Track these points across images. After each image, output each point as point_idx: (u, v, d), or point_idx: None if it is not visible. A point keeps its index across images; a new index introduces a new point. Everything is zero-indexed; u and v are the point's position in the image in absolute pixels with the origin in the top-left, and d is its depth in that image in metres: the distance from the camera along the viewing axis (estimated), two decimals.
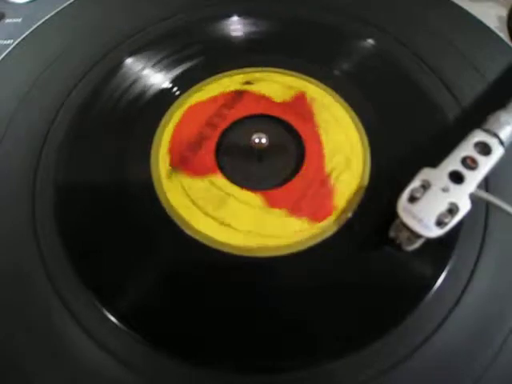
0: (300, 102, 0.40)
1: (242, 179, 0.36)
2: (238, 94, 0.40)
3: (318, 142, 0.37)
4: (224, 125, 0.38)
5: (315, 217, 0.34)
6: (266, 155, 0.37)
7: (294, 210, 0.34)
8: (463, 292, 0.31)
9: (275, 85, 0.41)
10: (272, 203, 0.35)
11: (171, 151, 0.37)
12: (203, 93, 0.40)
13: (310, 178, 0.36)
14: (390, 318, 0.31)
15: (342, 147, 0.37)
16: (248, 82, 0.40)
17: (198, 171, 0.36)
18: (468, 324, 0.30)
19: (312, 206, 0.34)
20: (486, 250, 0.33)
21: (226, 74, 0.41)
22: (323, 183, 0.35)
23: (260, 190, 0.35)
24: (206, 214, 0.34)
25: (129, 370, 0.29)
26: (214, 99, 0.40)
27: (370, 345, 0.30)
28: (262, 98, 0.40)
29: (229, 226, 0.34)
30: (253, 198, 0.35)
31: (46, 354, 0.30)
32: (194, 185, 0.35)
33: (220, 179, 0.36)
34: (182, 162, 0.36)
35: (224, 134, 0.38)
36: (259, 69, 0.41)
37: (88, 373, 0.29)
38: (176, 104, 0.39)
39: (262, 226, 0.34)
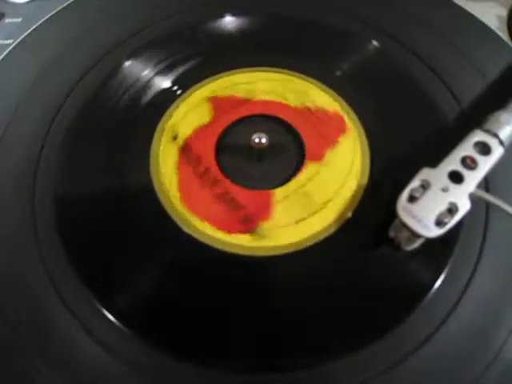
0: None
1: (242, 179, 0.36)
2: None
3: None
4: (224, 124, 0.38)
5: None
6: (266, 155, 0.37)
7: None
8: (463, 292, 0.31)
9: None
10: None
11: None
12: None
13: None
14: (390, 318, 0.31)
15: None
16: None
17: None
18: (468, 324, 0.30)
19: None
20: (486, 250, 0.33)
21: (226, 73, 0.41)
22: None
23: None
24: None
25: (129, 369, 0.29)
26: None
27: (370, 345, 0.30)
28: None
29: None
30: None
31: (46, 353, 0.30)
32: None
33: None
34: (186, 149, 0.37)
35: (224, 133, 0.38)
36: (259, 69, 0.41)
37: (88, 372, 0.29)
38: (176, 104, 0.39)
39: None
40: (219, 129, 0.38)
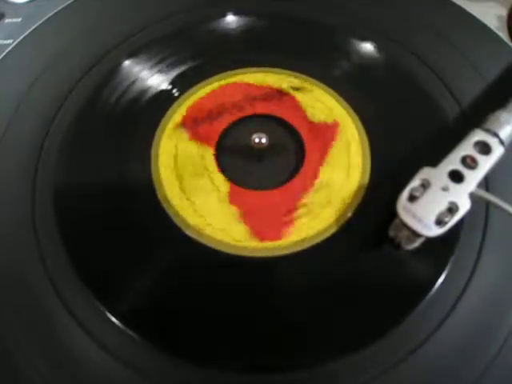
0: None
1: (242, 179, 0.36)
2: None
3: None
4: (225, 124, 0.38)
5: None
6: (266, 155, 0.37)
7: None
8: (463, 292, 0.31)
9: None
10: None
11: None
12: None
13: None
14: (390, 318, 0.31)
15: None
16: (295, 88, 0.41)
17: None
18: (468, 324, 0.30)
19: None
20: (486, 250, 0.33)
21: (225, 73, 0.41)
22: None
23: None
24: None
25: (129, 369, 0.29)
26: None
27: (370, 345, 0.30)
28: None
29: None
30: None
31: (46, 353, 0.30)
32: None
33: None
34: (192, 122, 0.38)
35: (224, 133, 0.38)
36: (259, 69, 0.41)
37: (88, 372, 0.29)
38: (176, 104, 0.39)
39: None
40: (219, 129, 0.38)
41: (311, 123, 0.38)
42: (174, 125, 0.38)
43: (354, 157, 0.37)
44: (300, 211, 0.34)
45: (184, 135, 0.37)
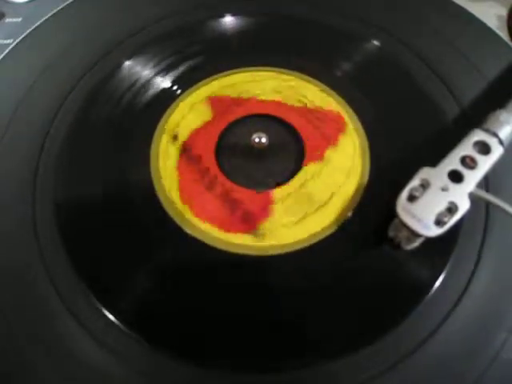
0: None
1: (242, 178, 0.36)
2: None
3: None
4: (224, 124, 0.38)
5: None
6: (266, 155, 0.37)
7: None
8: (463, 292, 0.31)
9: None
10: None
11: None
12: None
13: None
14: (390, 318, 0.31)
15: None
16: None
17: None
18: (468, 324, 0.30)
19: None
20: (486, 250, 0.33)
21: (225, 73, 0.41)
22: None
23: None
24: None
25: (129, 369, 0.29)
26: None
27: (370, 345, 0.30)
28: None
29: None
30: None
31: (46, 353, 0.30)
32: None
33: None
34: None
35: (224, 133, 0.38)
36: (259, 68, 0.41)
37: (88, 372, 0.29)
38: (176, 104, 0.39)
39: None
40: (219, 129, 0.38)
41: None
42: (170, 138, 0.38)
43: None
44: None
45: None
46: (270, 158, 0.37)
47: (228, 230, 0.33)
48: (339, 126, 0.38)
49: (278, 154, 0.37)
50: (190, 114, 0.39)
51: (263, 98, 0.40)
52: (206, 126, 0.38)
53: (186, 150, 0.37)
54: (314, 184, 0.35)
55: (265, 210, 0.34)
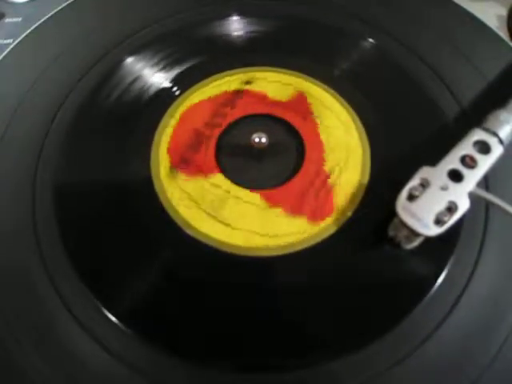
0: (300, 102, 0.40)
1: (242, 179, 0.36)
2: (238, 94, 0.40)
3: (318, 142, 0.37)
4: (224, 124, 0.38)
5: (315, 216, 0.34)
6: (266, 155, 0.37)
7: (294, 209, 0.34)
8: (463, 292, 0.31)
9: (275, 84, 0.41)
10: (272, 203, 0.35)
11: (171, 152, 0.37)
12: (203, 92, 0.40)
13: (310, 178, 0.36)
14: (390, 317, 0.31)
15: (342, 146, 0.37)
16: (248, 82, 0.40)
17: (198, 171, 0.36)
18: (468, 324, 0.30)
19: (312, 205, 0.34)
20: (486, 250, 0.33)
21: (225, 73, 0.41)
22: (323, 183, 0.35)
23: (260, 190, 0.35)
24: (207, 213, 0.34)
25: (129, 369, 0.29)
26: (213, 99, 0.40)
27: (370, 345, 0.29)
28: (262, 98, 0.40)
29: (229, 225, 0.34)
30: (253, 198, 0.35)
31: (46, 353, 0.30)
32: (195, 185, 0.35)
33: (220, 179, 0.36)
34: (182, 163, 0.36)
35: (224, 133, 0.38)
36: (259, 68, 0.41)
37: (88, 372, 0.29)
38: (176, 104, 0.39)
39: (262, 226, 0.34)
40: (219, 129, 0.38)
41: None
42: (167, 170, 0.37)
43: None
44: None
45: (181, 176, 0.36)
46: (269, 158, 0.37)
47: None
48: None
49: (278, 154, 0.37)
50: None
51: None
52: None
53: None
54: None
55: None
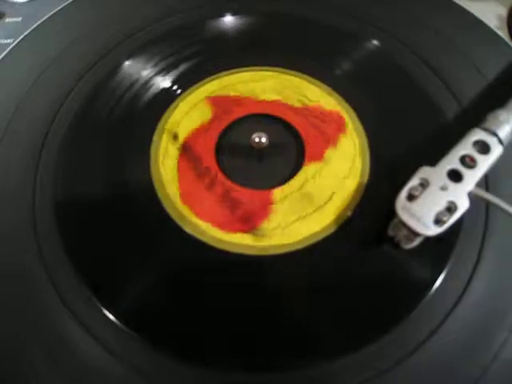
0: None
1: (242, 179, 0.36)
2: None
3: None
4: (224, 124, 0.38)
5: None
6: (266, 155, 0.37)
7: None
8: (463, 291, 0.31)
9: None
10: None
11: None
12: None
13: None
14: (390, 317, 0.31)
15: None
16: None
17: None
18: (468, 324, 0.30)
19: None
20: (486, 250, 0.33)
21: (225, 73, 0.41)
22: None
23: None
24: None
25: (129, 369, 0.29)
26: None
27: (370, 345, 0.29)
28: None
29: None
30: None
31: (46, 353, 0.30)
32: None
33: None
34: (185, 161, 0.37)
35: (224, 133, 0.38)
36: (259, 68, 0.41)
37: (88, 372, 0.29)
38: (176, 104, 0.39)
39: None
40: (219, 129, 0.38)
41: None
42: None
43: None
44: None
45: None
46: (269, 158, 0.37)
47: (228, 230, 0.33)
48: (339, 126, 0.38)
49: (278, 154, 0.37)
50: (190, 114, 0.39)
51: (263, 97, 0.40)
52: (206, 125, 0.38)
53: (186, 150, 0.37)
54: (314, 184, 0.35)
55: (265, 209, 0.34)
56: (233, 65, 0.42)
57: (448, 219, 0.29)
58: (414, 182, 0.30)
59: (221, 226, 0.34)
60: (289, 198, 0.35)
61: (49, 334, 0.30)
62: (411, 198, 0.30)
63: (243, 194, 0.35)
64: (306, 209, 0.34)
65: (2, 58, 0.42)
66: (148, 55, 0.42)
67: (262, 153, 0.37)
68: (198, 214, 0.34)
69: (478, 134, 0.32)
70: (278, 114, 0.39)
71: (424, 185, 0.30)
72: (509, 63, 0.41)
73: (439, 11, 0.45)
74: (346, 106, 0.39)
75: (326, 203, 0.35)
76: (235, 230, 0.33)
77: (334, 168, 0.36)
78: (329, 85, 0.41)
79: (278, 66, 0.42)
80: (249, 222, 0.34)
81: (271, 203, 0.35)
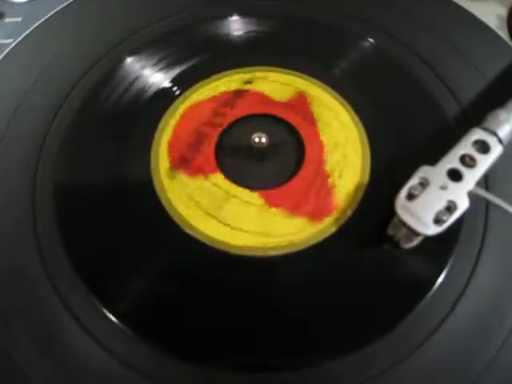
0: (300, 102, 0.40)
1: (242, 179, 0.36)
2: (238, 94, 0.40)
3: (318, 142, 0.37)
4: (224, 124, 0.38)
5: (315, 216, 0.34)
6: (266, 155, 0.37)
7: (294, 209, 0.34)
8: (463, 292, 0.31)
9: (275, 84, 0.41)
10: (272, 203, 0.35)
11: (171, 152, 0.37)
12: (203, 92, 0.40)
13: (311, 178, 0.36)
14: (390, 317, 0.30)
15: (342, 146, 0.37)
16: (248, 82, 0.40)
17: (198, 171, 0.36)
18: (468, 323, 0.30)
19: (312, 205, 0.34)
20: (486, 250, 0.33)
21: (225, 73, 0.41)
22: (323, 182, 0.35)
23: (260, 190, 0.35)
24: (207, 213, 0.34)
25: (129, 369, 0.29)
26: (213, 98, 0.40)
27: (370, 344, 0.29)
28: (262, 98, 0.40)
29: (229, 225, 0.34)
30: (253, 198, 0.35)
31: (46, 353, 0.30)
32: (195, 185, 0.35)
33: (220, 179, 0.36)
34: (182, 163, 0.36)
35: (224, 133, 0.38)
36: (259, 68, 0.41)
37: (88, 372, 0.29)
38: (176, 103, 0.39)
39: (262, 226, 0.34)
40: (219, 129, 0.38)
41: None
42: (167, 170, 0.36)
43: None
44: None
45: (182, 176, 0.36)
46: (270, 158, 0.37)
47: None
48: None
49: (278, 154, 0.37)
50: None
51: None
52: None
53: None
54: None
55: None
56: (233, 65, 0.42)
57: (448, 219, 0.29)
58: (414, 181, 0.30)
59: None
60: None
61: (48, 335, 0.30)
62: (411, 197, 0.30)
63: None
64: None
65: (2, 58, 0.42)
66: (148, 55, 0.42)
67: (261, 153, 0.37)
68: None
69: (477, 134, 0.32)
70: (277, 114, 0.39)
71: (424, 184, 0.30)
72: (509, 63, 0.41)
73: (439, 11, 0.45)
74: (346, 105, 0.39)
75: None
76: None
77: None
78: (329, 85, 0.40)
79: (277, 65, 0.42)
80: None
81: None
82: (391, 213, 0.30)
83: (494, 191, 0.33)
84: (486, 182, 0.35)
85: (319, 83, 0.41)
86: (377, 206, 0.34)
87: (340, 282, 0.32)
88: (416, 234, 0.29)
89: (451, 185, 0.30)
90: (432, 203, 0.29)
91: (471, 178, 0.30)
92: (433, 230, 0.29)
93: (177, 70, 0.41)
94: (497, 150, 0.31)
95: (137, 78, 0.41)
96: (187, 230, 0.33)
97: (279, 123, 0.39)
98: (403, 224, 0.29)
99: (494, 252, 0.33)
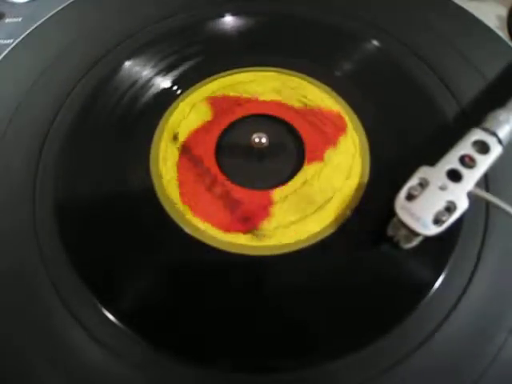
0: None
1: (242, 179, 0.36)
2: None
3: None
4: (224, 124, 0.38)
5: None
6: (266, 155, 0.37)
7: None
8: (463, 292, 0.31)
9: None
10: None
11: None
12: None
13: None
14: (390, 317, 0.31)
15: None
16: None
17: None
18: (468, 324, 0.30)
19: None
20: (486, 250, 0.33)
21: (225, 73, 0.41)
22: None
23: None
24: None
25: (129, 369, 0.29)
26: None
27: (370, 345, 0.30)
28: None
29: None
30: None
31: (47, 353, 0.30)
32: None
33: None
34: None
35: (224, 133, 0.38)
36: (259, 68, 0.41)
37: (88, 372, 0.29)
38: (176, 104, 0.39)
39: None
40: (219, 129, 0.38)
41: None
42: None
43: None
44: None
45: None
46: (269, 158, 0.37)
47: (228, 230, 0.33)
48: (339, 126, 0.38)
49: (278, 154, 0.37)
50: (190, 114, 0.39)
51: (263, 98, 0.40)
52: (206, 126, 0.38)
53: (186, 150, 0.37)
54: (314, 184, 0.35)
55: (265, 210, 0.34)
56: (233, 65, 0.42)
57: (447, 219, 0.29)
58: (414, 181, 0.30)
59: (221, 226, 0.34)
60: (289, 199, 0.35)
61: (49, 334, 0.30)
62: (410, 197, 0.30)
63: (243, 194, 0.35)
64: (305, 209, 0.34)
65: (2, 58, 0.42)
66: (148, 55, 0.42)
67: (262, 153, 0.37)
68: (197, 215, 0.34)
69: (477, 134, 0.32)
70: (277, 114, 0.39)
71: (423, 184, 0.30)
72: (509, 63, 0.41)
73: (439, 11, 0.45)
74: (346, 106, 0.39)
75: (325, 203, 0.35)
76: (235, 231, 0.33)
77: (333, 168, 0.36)
78: (329, 85, 0.41)
79: (278, 66, 0.42)
80: (249, 223, 0.34)
81: (271, 203, 0.35)
82: (391, 213, 0.30)
83: (493, 192, 0.33)
84: (485, 182, 0.35)
85: (319, 83, 0.41)
86: (376, 207, 0.34)
87: (340, 283, 0.32)
88: (416, 234, 0.29)
89: (451, 185, 0.30)
90: (431, 204, 0.29)
91: (471, 178, 0.30)
92: (432, 230, 0.29)
93: (177, 71, 0.41)
94: (496, 151, 0.31)
95: (136, 78, 0.41)
96: (187, 230, 0.33)
97: (279, 123, 0.39)
98: (403, 224, 0.29)
99: (493, 252, 0.33)
